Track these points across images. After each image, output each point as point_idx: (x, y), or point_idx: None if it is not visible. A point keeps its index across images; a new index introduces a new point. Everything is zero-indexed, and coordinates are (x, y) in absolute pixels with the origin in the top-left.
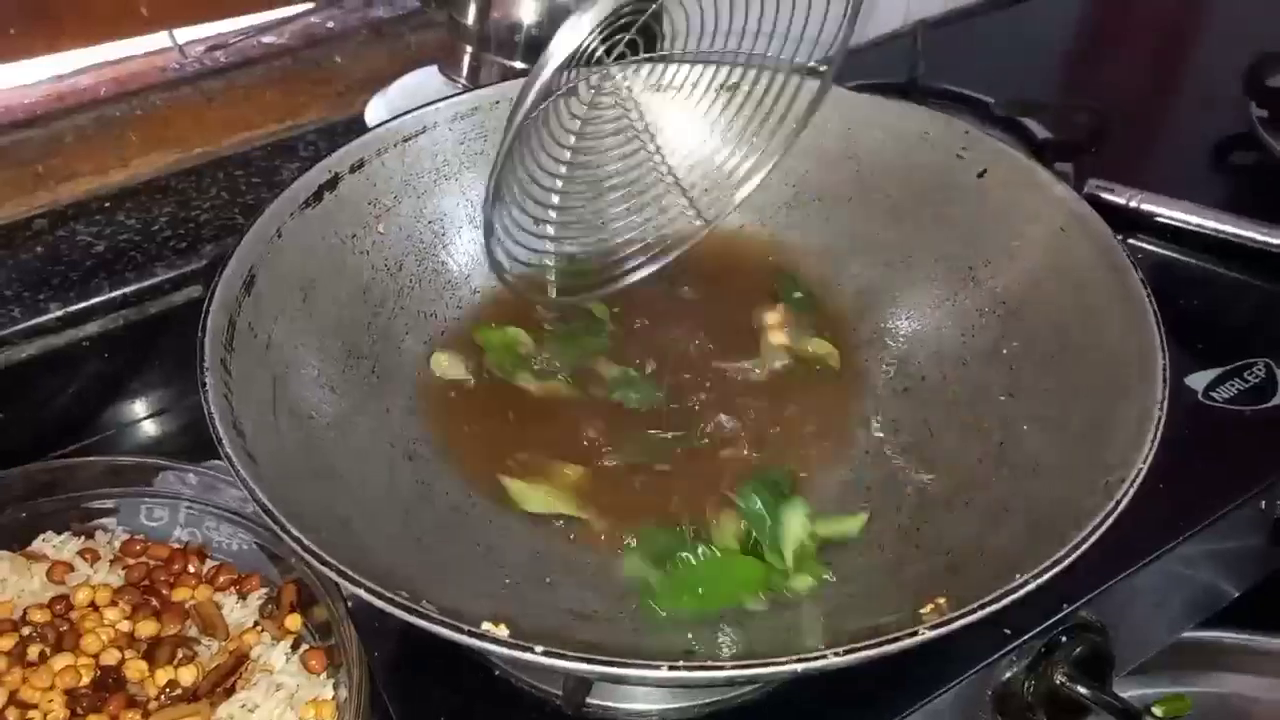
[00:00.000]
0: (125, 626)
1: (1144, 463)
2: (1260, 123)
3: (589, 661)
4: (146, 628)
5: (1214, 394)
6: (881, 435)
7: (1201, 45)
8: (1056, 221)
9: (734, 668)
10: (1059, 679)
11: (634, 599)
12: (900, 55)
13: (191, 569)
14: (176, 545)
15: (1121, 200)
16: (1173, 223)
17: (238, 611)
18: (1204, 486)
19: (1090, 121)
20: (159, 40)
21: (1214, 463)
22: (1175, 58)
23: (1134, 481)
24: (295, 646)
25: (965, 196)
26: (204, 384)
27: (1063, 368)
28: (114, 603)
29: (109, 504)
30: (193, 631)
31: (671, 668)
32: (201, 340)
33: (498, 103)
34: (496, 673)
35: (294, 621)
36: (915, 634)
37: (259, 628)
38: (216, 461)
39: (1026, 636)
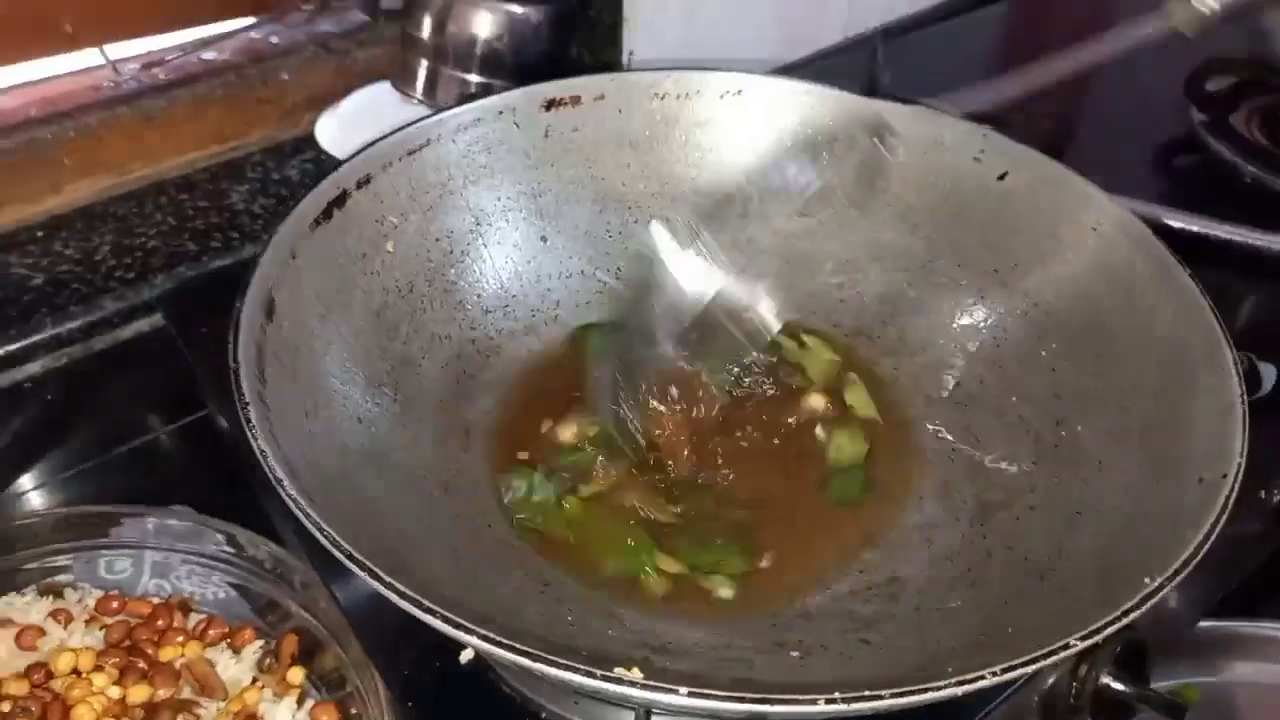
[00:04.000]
0: (115, 693)
1: (1241, 455)
2: (1202, 126)
3: (739, 700)
4: (138, 693)
5: None
6: (922, 445)
7: (1142, 54)
8: (1088, 221)
9: (891, 696)
10: (1104, 679)
11: (704, 625)
12: (850, 68)
13: (176, 624)
14: (158, 600)
15: None
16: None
17: (232, 668)
18: None
19: (1040, 128)
20: (90, 57)
21: None
22: (1111, 67)
23: (1237, 476)
24: (299, 701)
25: (986, 200)
26: (248, 420)
27: (1110, 367)
28: (99, 667)
29: (65, 560)
30: (187, 693)
31: (829, 701)
32: (236, 373)
33: (500, 112)
34: (544, 716)
35: (296, 675)
36: (1068, 646)
37: (259, 684)
38: (178, 506)
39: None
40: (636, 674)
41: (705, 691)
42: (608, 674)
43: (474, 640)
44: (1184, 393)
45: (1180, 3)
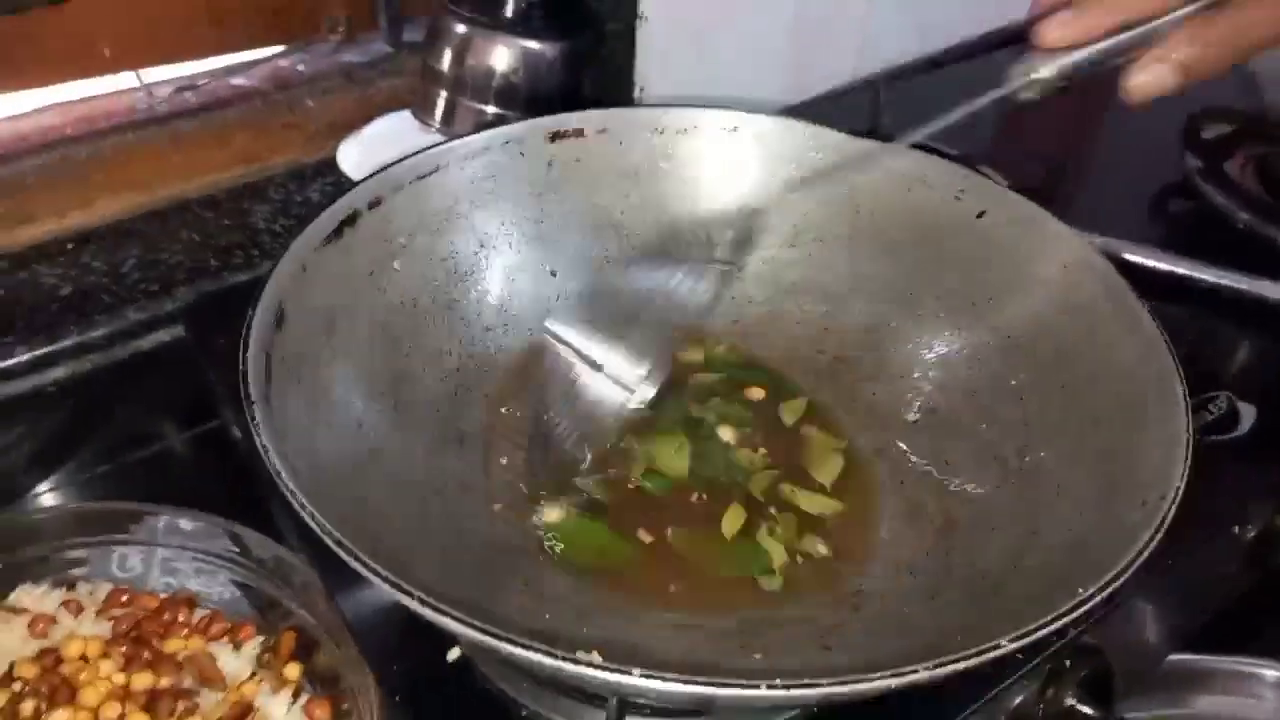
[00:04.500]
0: (120, 679)
1: (1181, 480)
2: (1197, 173)
3: (687, 682)
4: (142, 680)
5: None
6: (895, 466)
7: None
8: (1059, 259)
9: (830, 685)
10: (1069, 701)
11: (673, 628)
12: (856, 108)
13: (181, 619)
14: (165, 595)
15: None
16: (1125, 263)
17: (232, 662)
18: (1185, 514)
19: (1040, 171)
20: (125, 80)
21: (1193, 493)
22: (1110, 115)
23: (1174, 500)
24: (294, 696)
25: (965, 236)
26: (253, 418)
27: (1074, 398)
28: (106, 655)
29: (80, 554)
30: (188, 683)
31: (770, 687)
32: (244, 374)
33: (507, 142)
34: (524, 714)
35: (293, 670)
36: (998, 646)
37: (257, 678)
38: (191, 508)
39: (1037, 660)
40: (595, 656)
41: (657, 674)
42: (567, 655)
43: (448, 621)
44: (1138, 422)
45: (1019, 69)
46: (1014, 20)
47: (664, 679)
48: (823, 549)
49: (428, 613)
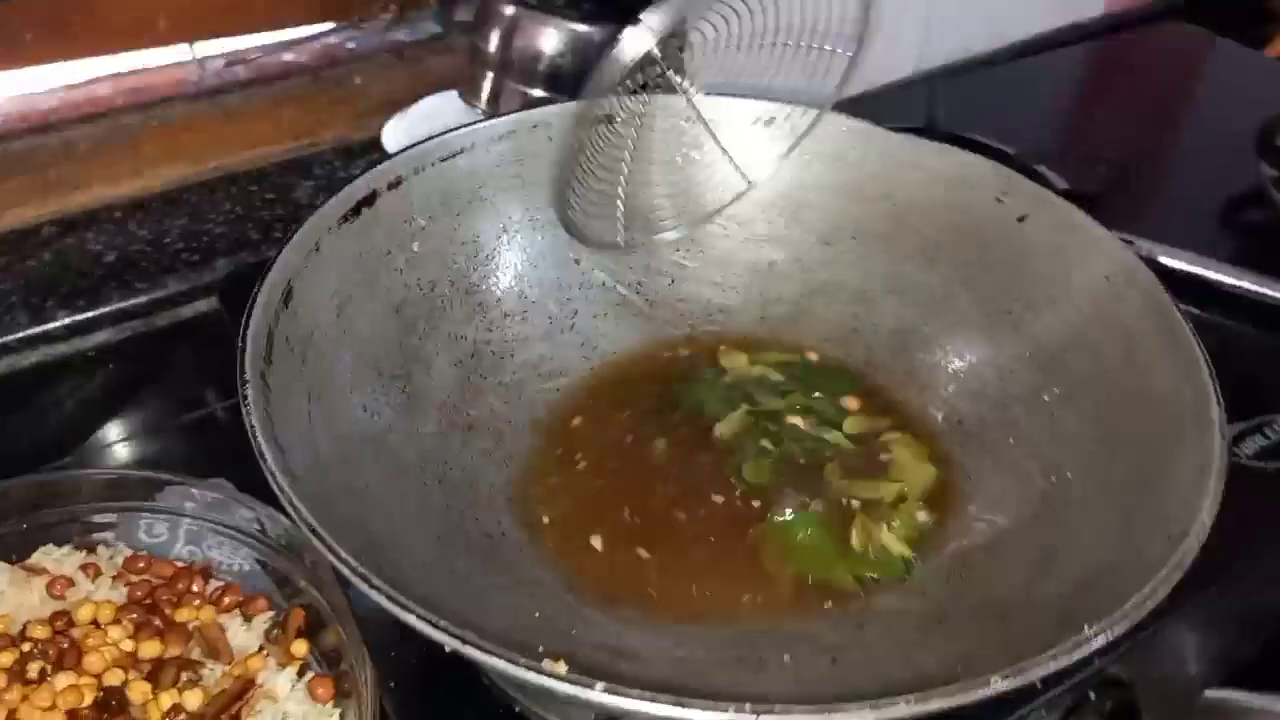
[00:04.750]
0: (128, 646)
1: (1208, 516)
2: (1271, 182)
3: (654, 700)
4: (150, 648)
5: (1238, 450)
6: None
7: (1211, 106)
8: (1101, 269)
9: (804, 713)
10: None
11: (672, 635)
12: (915, 103)
13: (195, 588)
14: (181, 564)
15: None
16: (1187, 275)
17: (242, 635)
18: (1234, 541)
19: (1106, 174)
20: (179, 53)
21: (1243, 518)
22: (1185, 117)
23: (1201, 535)
24: (300, 673)
25: (1004, 241)
26: (245, 397)
27: (1107, 416)
28: (117, 620)
29: (110, 518)
30: (196, 654)
31: (738, 710)
32: (241, 352)
33: (535, 127)
34: (517, 709)
35: (300, 647)
36: (987, 683)
37: (264, 652)
38: (219, 480)
39: (1057, 690)
40: (560, 667)
41: (621, 690)
42: (531, 664)
43: (409, 618)
44: (1170, 447)
45: None
46: (1086, 17)
47: (627, 695)
48: (924, 516)
49: (390, 605)
